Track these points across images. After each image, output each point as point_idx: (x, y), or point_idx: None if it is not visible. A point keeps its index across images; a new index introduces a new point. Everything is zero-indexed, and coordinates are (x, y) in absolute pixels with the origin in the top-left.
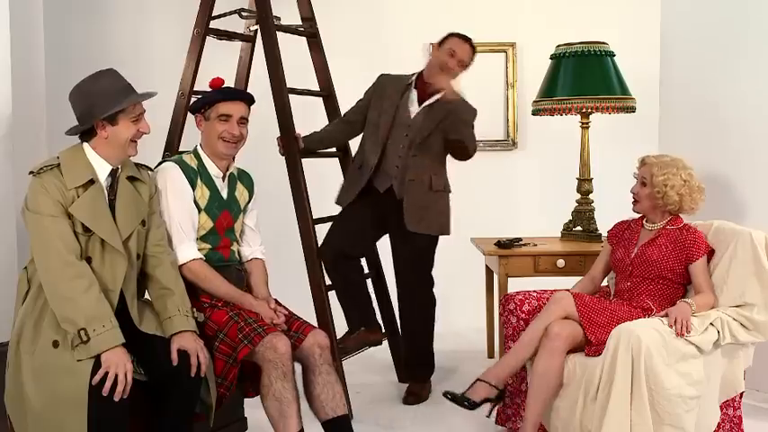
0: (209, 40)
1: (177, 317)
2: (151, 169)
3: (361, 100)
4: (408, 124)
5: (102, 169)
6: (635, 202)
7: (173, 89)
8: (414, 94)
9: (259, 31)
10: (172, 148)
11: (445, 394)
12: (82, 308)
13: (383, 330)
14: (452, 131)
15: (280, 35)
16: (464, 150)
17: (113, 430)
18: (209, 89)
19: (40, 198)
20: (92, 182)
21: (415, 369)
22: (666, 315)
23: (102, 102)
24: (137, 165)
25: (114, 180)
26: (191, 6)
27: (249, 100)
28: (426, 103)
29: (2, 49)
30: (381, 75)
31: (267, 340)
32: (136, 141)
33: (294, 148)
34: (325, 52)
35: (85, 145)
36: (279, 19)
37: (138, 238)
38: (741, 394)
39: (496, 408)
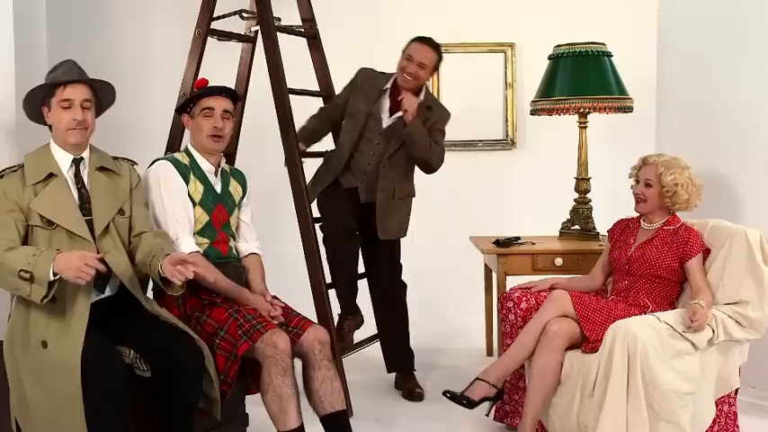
0: (210, 41)
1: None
2: (134, 162)
3: (340, 95)
4: (380, 132)
5: (64, 160)
6: (639, 201)
7: (174, 90)
8: (386, 103)
9: (259, 31)
10: (173, 149)
11: (445, 393)
12: (11, 261)
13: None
14: (412, 150)
15: (280, 36)
16: (427, 165)
17: (113, 422)
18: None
19: None
20: (52, 176)
21: (406, 360)
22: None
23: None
24: (115, 158)
25: (78, 169)
26: (192, 7)
27: (230, 94)
28: (397, 114)
29: (5, 49)
30: (361, 69)
31: (266, 337)
32: (75, 129)
33: (295, 148)
34: (324, 53)
35: (51, 140)
36: (279, 20)
37: (118, 225)
38: (736, 391)
39: (495, 406)
